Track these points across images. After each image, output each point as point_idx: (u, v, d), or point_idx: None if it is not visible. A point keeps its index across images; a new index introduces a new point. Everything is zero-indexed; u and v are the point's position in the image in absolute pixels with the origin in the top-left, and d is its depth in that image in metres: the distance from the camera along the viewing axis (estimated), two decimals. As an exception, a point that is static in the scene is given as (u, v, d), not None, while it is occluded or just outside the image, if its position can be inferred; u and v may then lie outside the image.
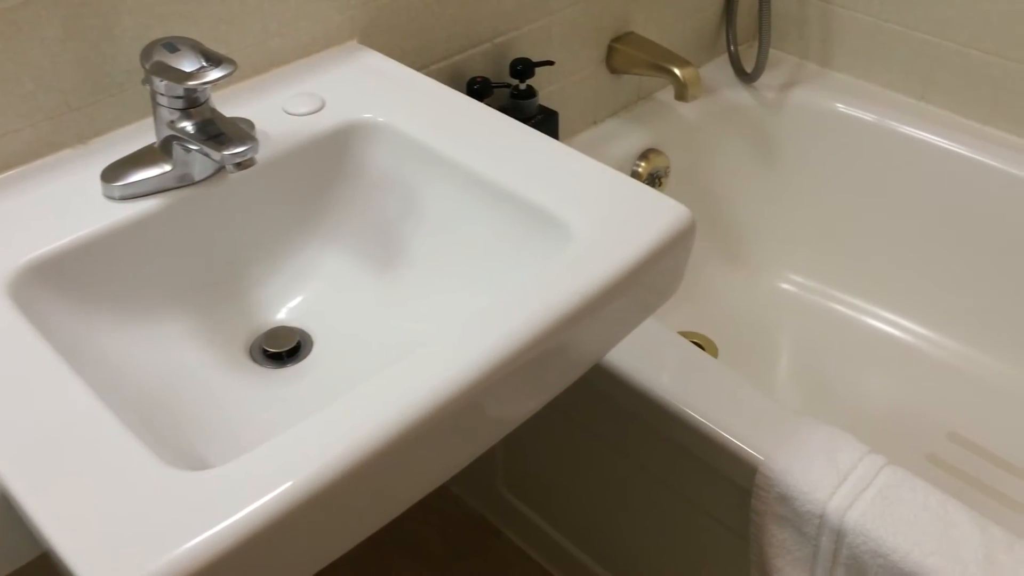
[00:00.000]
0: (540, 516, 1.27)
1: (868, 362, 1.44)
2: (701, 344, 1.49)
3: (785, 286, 1.56)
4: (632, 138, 1.37)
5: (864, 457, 0.86)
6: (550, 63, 1.15)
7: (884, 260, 1.48)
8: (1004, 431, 1.33)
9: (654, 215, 0.73)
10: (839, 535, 0.83)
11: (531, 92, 1.14)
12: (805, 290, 1.55)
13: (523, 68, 1.13)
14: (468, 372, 0.59)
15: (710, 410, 0.92)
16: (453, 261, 0.80)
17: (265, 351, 0.78)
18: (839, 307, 1.52)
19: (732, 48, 1.50)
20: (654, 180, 1.39)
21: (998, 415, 1.35)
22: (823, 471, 0.85)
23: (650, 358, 0.99)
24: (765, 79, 1.50)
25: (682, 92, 1.27)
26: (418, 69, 1.05)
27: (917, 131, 1.39)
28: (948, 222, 1.39)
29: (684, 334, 1.50)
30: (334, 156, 0.84)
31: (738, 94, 1.48)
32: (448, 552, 1.33)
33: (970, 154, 1.35)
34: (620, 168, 1.35)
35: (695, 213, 1.50)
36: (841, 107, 1.44)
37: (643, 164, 1.37)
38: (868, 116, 1.42)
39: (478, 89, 1.09)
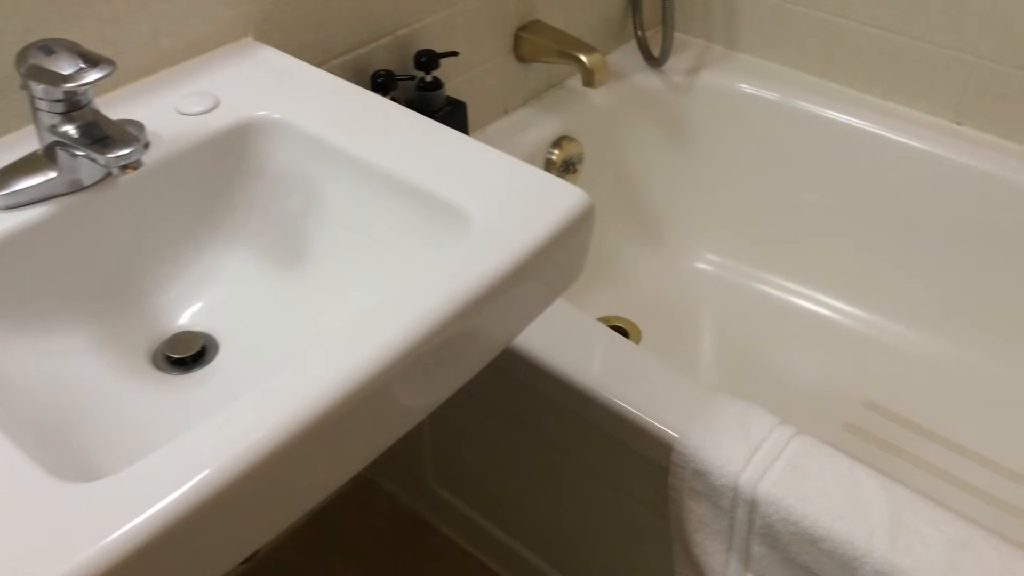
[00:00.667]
0: (473, 509, 1.27)
1: (787, 337, 1.48)
2: (624, 328, 1.51)
3: (703, 266, 1.58)
4: (544, 126, 1.37)
5: (774, 428, 0.88)
6: (454, 54, 1.15)
7: (797, 236, 1.51)
8: (918, 398, 1.37)
9: (553, 201, 0.74)
10: (752, 506, 0.85)
11: (437, 84, 1.14)
12: (723, 269, 1.57)
13: (427, 60, 1.12)
14: (365, 368, 0.59)
15: (624, 391, 0.93)
16: (357, 256, 0.79)
17: (168, 357, 0.76)
18: (757, 284, 1.55)
19: (639, 33, 1.51)
20: (568, 167, 1.40)
21: (912, 383, 1.40)
22: (735, 444, 0.87)
23: (567, 344, 0.99)
24: (673, 63, 1.52)
25: (589, 78, 1.28)
26: (318, 65, 1.04)
27: (821, 108, 1.42)
28: (856, 196, 1.43)
29: (606, 319, 1.52)
30: (231, 155, 0.82)
31: (647, 79, 1.49)
32: (385, 552, 1.32)
33: (872, 128, 1.38)
34: (534, 157, 1.36)
35: (611, 198, 1.51)
36: (746, 87, 1.47)
37: (556, 152, 1.38)
38: (773, 95, 1.45)
39: (382, 82, 1.08)
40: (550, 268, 0.73)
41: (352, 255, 0.79)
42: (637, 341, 1.49)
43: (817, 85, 1.46)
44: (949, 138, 1.34)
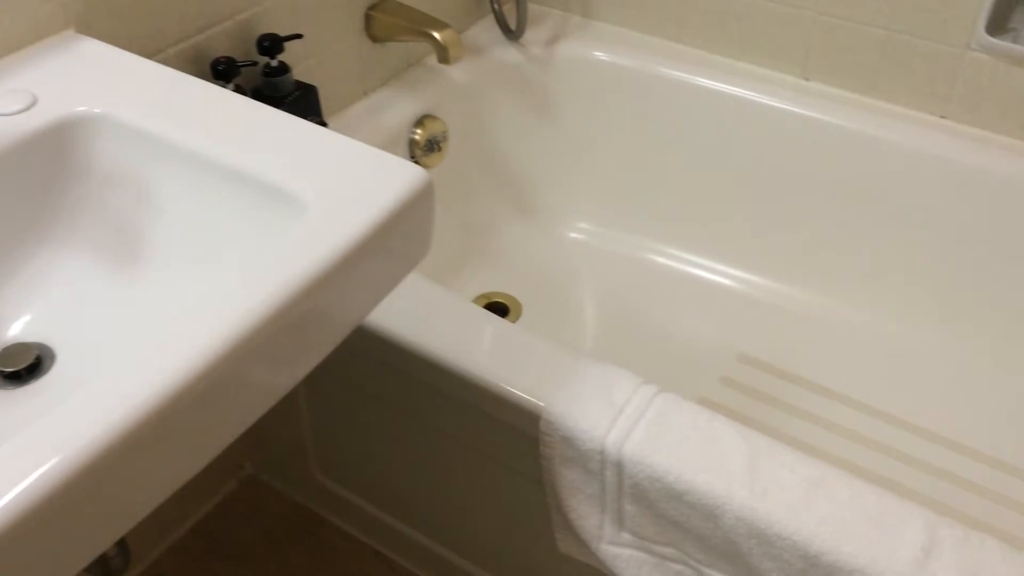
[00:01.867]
0: (361, 497, 1.26)
1: (663, 298, 1.51)
2: (505, 304, 1.51)
3: (577, 236, 1.60)
4: (405, 106, 1.36)
5: (638, 389, 0.89)
6: (298, 36, 1.12)
7: (665, 198, 1.54)
8: (788, 348, 1.42)
9: (390, 179, 0.73)
10: (619, 467, 0.86)
11: (284, 68, 1.11)
12: (597, 237, 1.59)
13: (271, 44, 1.09)
14: (197, 360, 0.57)
15: (489, 366, 0.93)
16: (194, 250, 0.76)
17: (1, 372, 0.73)
18: (631, 249, 1.57)
19: (496, 7, 1.51)
20: (433, 146, 1.39)
21: (782, 334, 1.44)
22: (600, 408, 0.88)
23: (433, 324, 0.99)
24: (531, 35, 1.52)
25: (444, 55, 1.27)
26: (152, 55, 1.00)
27: (675, 71, 1.44)
28: (715, 154, 1.46)
29: (487, 296, 1.52)
30: (54, 154, 0.78)
31: (506, 52, 1.49)
32: (275, 550, 1.29)
33: (726, 88, 1.41)
34: (396, 137, 1.34)
35: (480, 173, 1.51)
36: (602, 55, 1.48)
37: (419, 131, 1.36)
38: (628, 61, 1.47)
39: (223, 70, 1.04)
40: (392, 246, 0.72)
41: (189, 249, 0.77)
42: (518, 316, 1.50)
43: (672, 49, 1.48)
44: (798, 94, 1.38)
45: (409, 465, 1.14)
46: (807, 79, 1.40)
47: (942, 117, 1.32)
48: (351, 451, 1.20)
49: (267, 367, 0.64)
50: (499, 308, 1.51)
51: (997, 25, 1.23)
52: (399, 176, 0.73)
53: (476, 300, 1.51)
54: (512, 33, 1.49)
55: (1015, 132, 1.27)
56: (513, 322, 1.49)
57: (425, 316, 0.99)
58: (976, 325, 1.36)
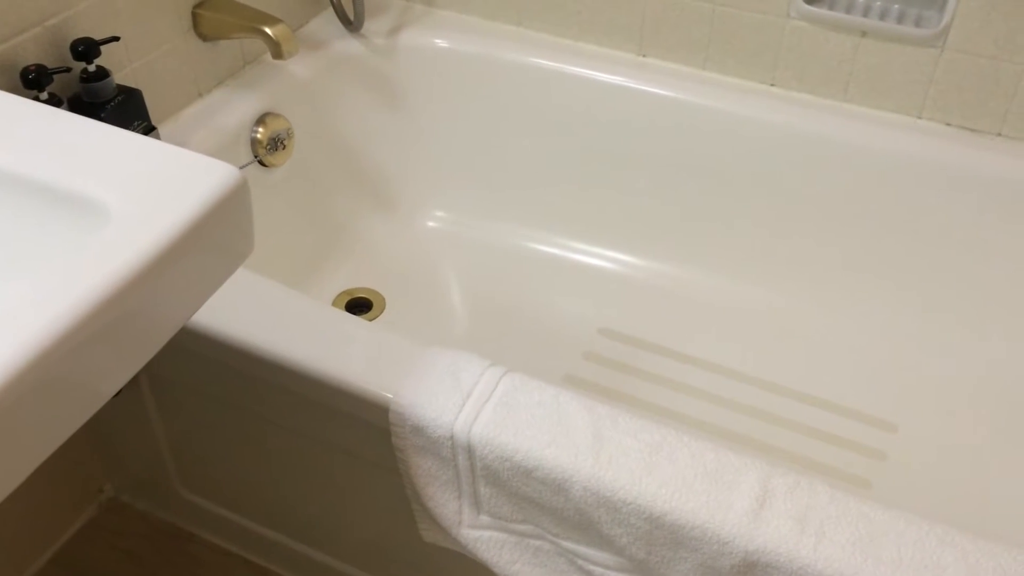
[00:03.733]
0: (225, 508, 1.23)
1: (525, 280, 1.52)
2: (368, 299, 1.50)
3: (435, 224, 1.59)
4: (244, 105, 1.32)
5: (485, 371, 0.90)
6: (115, 39, 1.08)
7: (518, 181, 1.55)
8: (647, 319, 1.46)
9: (200, 180, 0.71)
10: (470, 450, 0.86)
11: (103, 73, 1.07)
12: (455, 225, 1.59)
13: (85, 48, 1.04)
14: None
15: (333, 362, 0.92)
16: (-3, 269, 0.73)
17: None
18: (489, 235, 1.58)
19: (334, 0, 1.49)
20: (276, 144, 1.36)
21: (639, 306, 1.48)
22: (448, 394, 0.88)
23: (277, 325, 0.97)
24: (373, 26, 1.51)
25: (277, 50, 1.24)
26: (-51, 67, 0.94)
27: (518, 55, 1.46)
28: (563, 135, 1.48)
29: (349, 292, 1.50)
30: None
31: (348, 44, 1.47)
32: (142, 572, 1.25)
33: (568, 69, 1.43)
34: (236, 137, 1.31)
35: (332, 168, 1.49)
36: (442, 43, 1.48)
37: (261, 130, 1.33)
38: (471, 48, 1.47)
39: (33, 78, 0.99)
40: (205, 247, 0.70)
41: (-8, 268, 0.73)
42: (382, 310, 1.49)
43: (514, 33, 1.49)
44: (636, 69, 1.41)
45: (270, 471, 1.12)
46: (644, 56, 1.44)
47: (772, 85, 1.37)
48: (211, 462, 1.17)
49: (79, 376, 0.61)
50: (362, 303, 1.49)
51: (813, -6, 1.28)
52: (209, 175, 0.71)
53: (338, 297, 1.50)
54: (352, 25, 1.47)
55: (837, 95, 1.33)
56: (377, 316, 1.48)
57: (269, 317, 0.97)
58: (810, 280, 1.42)
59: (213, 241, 0.71)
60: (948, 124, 1.29)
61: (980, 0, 1.17)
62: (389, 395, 0.90)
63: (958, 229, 1.30)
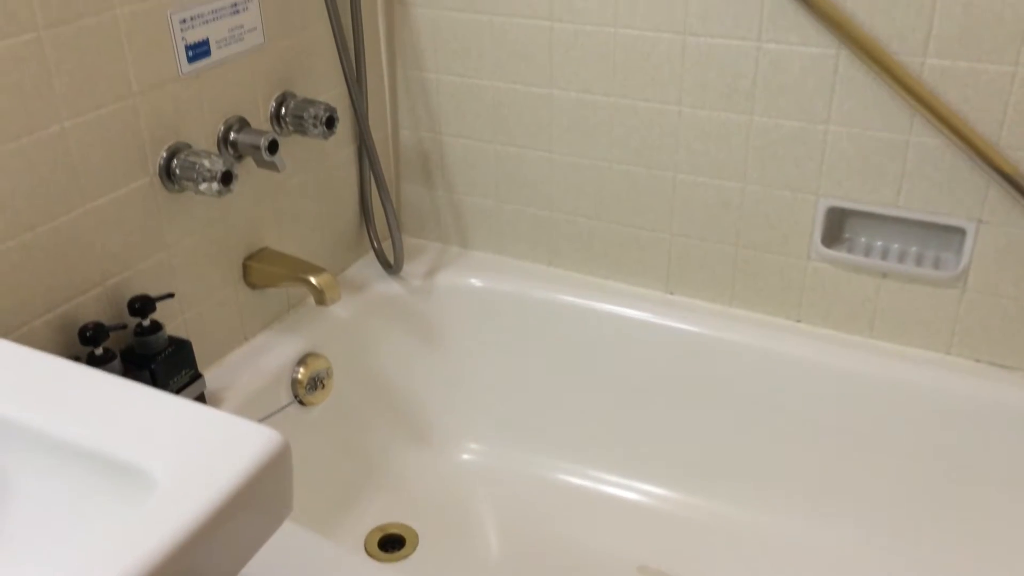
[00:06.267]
0: None
1: (561, 513, 1.50)
2: (401, 535, 1.48)
3: (470, 457, 1.60)
4: (287, 347, 1.38)
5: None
6: (170, 296, 1.15)
7: (552, 415, 1.57)
8: (684, 555, 1.42)
9: (244, 446, 0.73)
10: None
11: (156, 327, 1.13)
12: (490, 457, 1.60)
13: (142, 305, 1.11)
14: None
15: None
16: (43, 534, 0.74)
17: None
18: (524, 467, 1.58)
19: (376, 245, 1.58)
20: (316, 383, 1.40)
21: (677, 541, 1.44)
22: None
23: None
24: (411, 268, 1.59)
25: (320, 298, 1.31)
26: (15, 329, 1.00)
27: (550, 292, 1.51)
28: (593, 370, 1.51)
29: (382, 528, 1.49)
30: None
31: (388, 286, 1.55)
32: None
33: (599, 305, 1.48)
34: (278, 379, 1.35)
35: (369, 404, 1.52)
36: (477, 282, 1.55)
37: (302, 370, 1.38)
38: (505, 287, 1.54)
39: (91, 336, 1.05)
40: (248, 512, 0.71)
41: (38, 534, 0.74)
42: (415, 547, 1.47)
43: (545, 272, 1.56)
44: (665, 307, 1.46)
45: None
46: (671, 293, 1.49)
47: (798, 321, 1.40)
48: None
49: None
50: (395, 540, 1.47)
51: (832, 237, 1.34)
52: (253, 441, 0.73)
53: (371, 533, 1.48)
54: (392, 268, 1.55)
55: (864, 331, 1.36)
56: (410, 553, 1.46)
57: (299, 569, 0.97)
58: (857, 514, 1.38)
59: (254, 506, 0.72)
60: (977, 360, 1.30)
61: (996, 243, 1.22)
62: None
63: (993, 466, 1.27)
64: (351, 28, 1.42)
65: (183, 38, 1.14)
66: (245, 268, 1.34)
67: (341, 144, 1.49)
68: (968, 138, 1.14)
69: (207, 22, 1.17)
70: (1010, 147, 1.15)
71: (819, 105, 1.24)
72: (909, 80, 1.15)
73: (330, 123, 1.32)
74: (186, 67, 1.15)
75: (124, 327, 1.10)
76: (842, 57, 1.20)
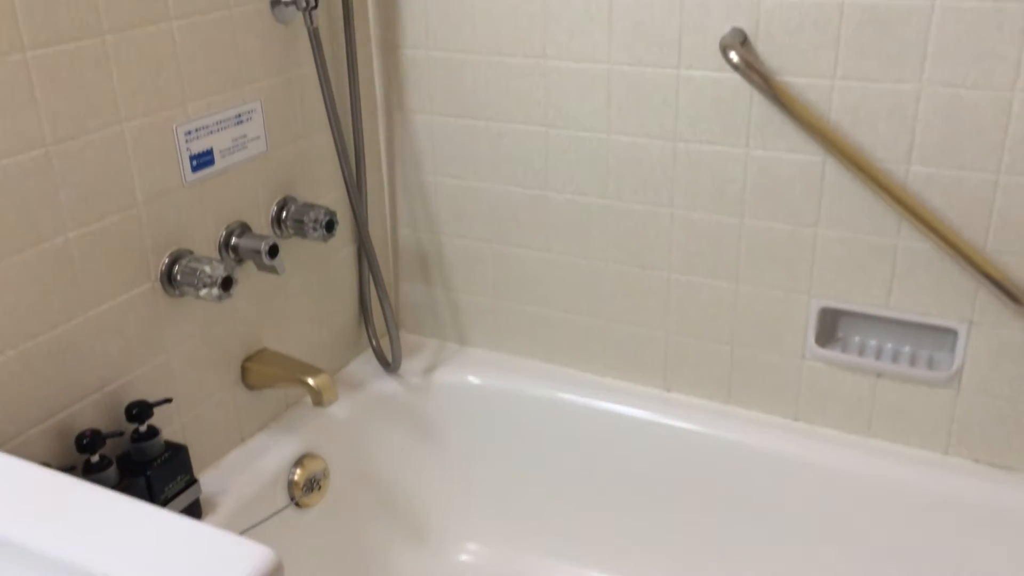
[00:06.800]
0: None
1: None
2: (397, 639, 1.45)
3: (467, 558, 1.58)
4: (283, 448, 1.38)
5: None
6: (168, 401, 1.15)
7: (550, 512, 1.56)
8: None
9: (234, 565, 0.73)
10: None
11: (153, 432, 1.13)
12: (486, 558, 1.58)
13: (139, 411, 1.12)
14: None
15: None
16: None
17: None
18: (521, 567, 1.56)
19: (374, 343, 1.59)
20: (312, 485, 1.39)
21: (679, 644, 1.42)
22: None
23: None
24: (410, 365, 1.60)
25: (318, 399, 1.31)
26: (13, 437, 1.01)
27: (548, 390, 1.52)
28: (590, 467, 1.51)
29: (378, 632, 1.46)
30: None
31: (385, 384, 1.55)
32: None
33: (596, 403, 1.49)
34: (275, 481, 1.34)
35: (365, 505, 1.51)
36: (474, 379, 1.55)
37: (298, 471, 1.37)
38: (503, 384, 1.54)
39: (87, 443, 1.06)
40: (234, 638, 0.70)
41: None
42: (411, 651, 1.44)
43: (542, 369, 1.57)
44: (662, 404, 1.46)
45: None
46: (669, 390, 1.49)
47: (795, 420, 1.40)
48: None
49: None
50: (391, 646, 1.45)
51: (826, 336, 1.35)
52: (245, 560, 0.73)
53: (368, 639, 1.45)
54: (390, 366, 1.56)
55: (861, 430, 1.36)
56: (407, 661, 1.42)
57: None
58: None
59: (241, 629, 0.71)
60: (976, 461, 1.29)
61: (988, 344, 1.22)
62: None
63: (995, 568, 1.26)
64: (351, 133, 1.46)
65: (187, 148, 1.18)
66: (244, 369, 1.35)
67: (341, 244, 1.51)
68: (954, 243, 1.16)
69: (211, 132, 1.21)
70: (997, 251, 1.17)
71: (808, 209, 1.27)
72: (894, 187, 1.17)
73: (330, 227, 1.35)
74: (190, 176, 1.19)
75: (121, 434, 1.10)
76: (828, 164, 1.23)
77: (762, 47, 1.21)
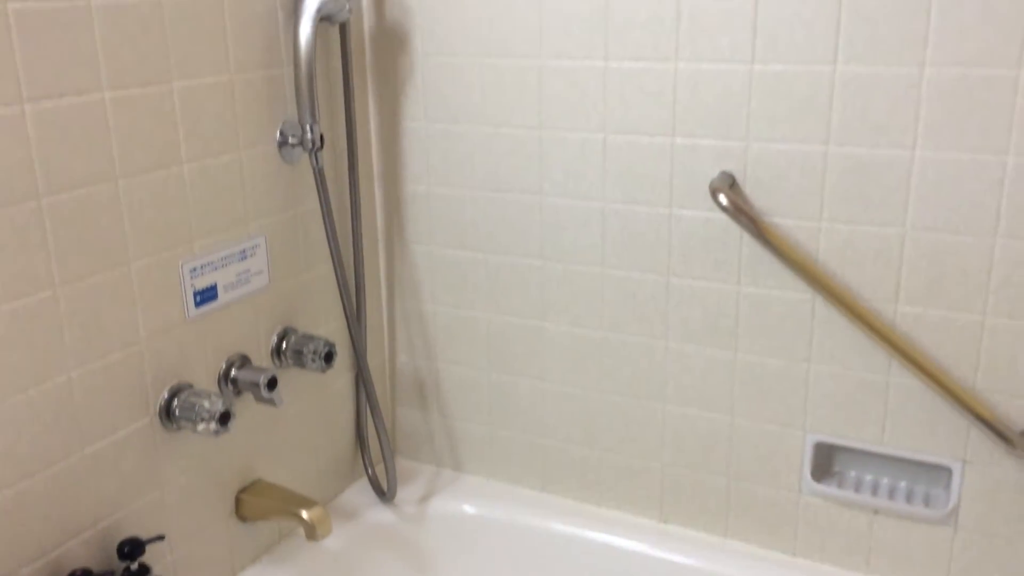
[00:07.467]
0: None
1: None
2: None
3: None
4: (275, 582, 1.36)
5: None
6: (160, 538, 1.14)
7: (547, 650, 1.52)
8: None
9: None
10: None
11: (144, 570, 1.12)
12: None
13: (131, 550, 1.11)
14: None
15: None
16: None
17: None
18: None
19: (370, 471, 1.58)
20: (304, 621, 1.37)
21: None
22: None
23: None
24: (405, 493, 1.59)
25: (312, 533, 1.30)
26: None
27: (542, 519, 1.51)
28: (590, 604, 1.48)
29: None
30: None
31: (380, 514, 1.54)
32: None
33: (590, 534, 1.47)
34: (265, 617, 1.32)
35: (356, 643, 1.47)
36: (470, 509, 1.54)
37: (290, 607, 1.35)
38: (497, 513, 1.53)
39: (78, 584, 1.04)
40: None
41: None
42: None
43: (538, 498, 1.56)
44: (657, 537, 1.44)
45: None
46: (665, 522, 1.48)
47: (793, 555, 1.39)
48: None
49: None
50: None
51: (822, 470, 1.35)
52: None
53: None
54: (384, 495, 1.55)
55: (860, 566, 1.34)
56: None
57: None
58: None
59: None
60: (977, 600, 1.28)
61: (983, 483, 1.23)
62: None
63: None
64: (352, 264, 1.49)
65: (192, 285, 1.20)
66: (238, 501, 1.34)
67: (339, 372, 1.53)
68: (944, 383, 1.18)
69: (216, 268, 1.24)
70: (987, 390, 1.19)
71: (799, 345, 1.29)
72: (882, 326, 1.20)
73: (328, 358, 1.36)
74: (193, 311, 1.21)
75: (112, 573, 1.09)
76: (818, 302, 1.26)
77: (750, 190, 1.26)
